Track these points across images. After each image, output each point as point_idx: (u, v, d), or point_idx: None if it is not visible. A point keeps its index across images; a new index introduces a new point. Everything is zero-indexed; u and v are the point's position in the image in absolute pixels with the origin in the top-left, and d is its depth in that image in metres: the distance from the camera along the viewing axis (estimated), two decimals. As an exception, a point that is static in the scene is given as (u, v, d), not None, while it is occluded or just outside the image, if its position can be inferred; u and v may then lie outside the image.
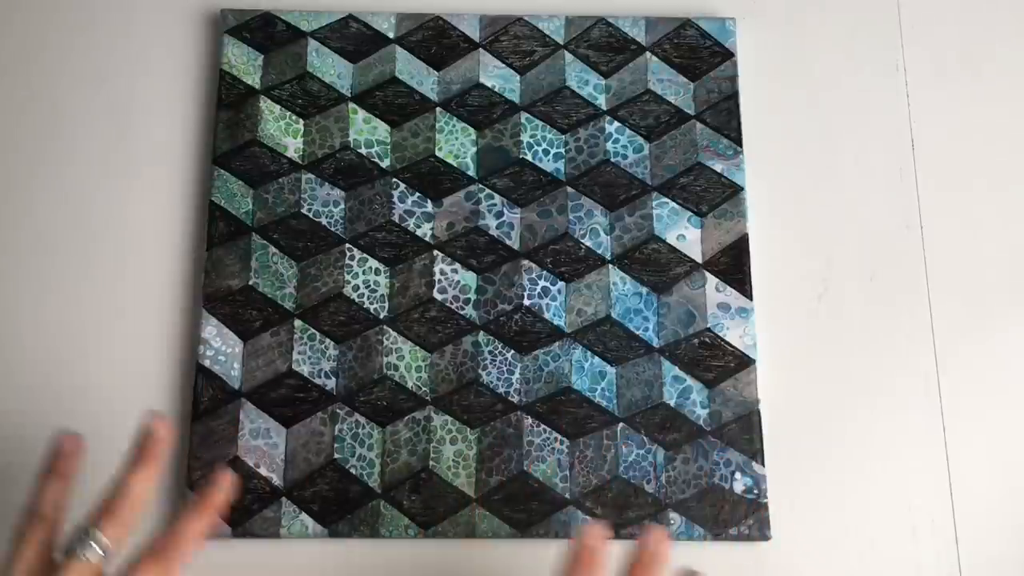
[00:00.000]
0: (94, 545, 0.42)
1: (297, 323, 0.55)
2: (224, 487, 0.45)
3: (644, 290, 0.56)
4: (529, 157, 0.58)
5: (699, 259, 0.57)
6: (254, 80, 0.59)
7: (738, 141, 0.59)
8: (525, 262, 0.57)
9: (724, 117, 0.59)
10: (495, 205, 0.58)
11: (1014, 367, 0.57)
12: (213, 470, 0.53)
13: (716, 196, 0.58)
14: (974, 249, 0.59)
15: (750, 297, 0.56)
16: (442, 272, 0.56)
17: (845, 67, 0.62)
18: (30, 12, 0.61)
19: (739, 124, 0.59)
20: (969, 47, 0.63)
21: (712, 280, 0.57)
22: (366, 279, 0.56)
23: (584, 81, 0.60)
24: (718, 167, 0.58)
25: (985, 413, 0.56)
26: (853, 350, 0.57)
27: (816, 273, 0.58)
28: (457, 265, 0.57)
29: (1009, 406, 0.57)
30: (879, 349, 0.57)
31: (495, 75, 0.60)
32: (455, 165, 0.58)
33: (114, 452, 0.54)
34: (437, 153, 0.58)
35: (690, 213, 0.58)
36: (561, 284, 0.57)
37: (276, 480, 0.53)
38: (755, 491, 0.53)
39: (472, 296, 0.56)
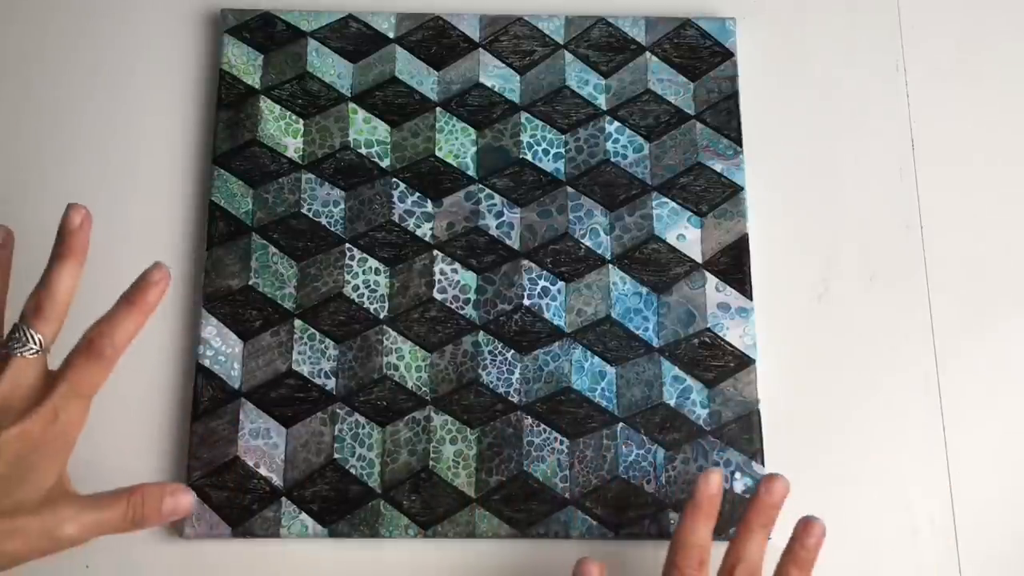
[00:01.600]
0: (30, 342, 0.43)
1: (297, 323, 0.55)
2: (157, 281, 0.45)
3: (644, 290, 0.56)
4: (529, 157, 0.58)
5: (699, 259, 0.57)
6: (254, 80, 0.59)
7: (738, 141, 0.59)
8: (525, 262, 0.57)
9: (724, 117, 0.59)
10: (495, 205, 0.58)
11: (1014, 367, 0.57)
12: (212, 466, 0.53)
13: (716, 196, 0.58)
14: (974, 249, 0.59)
15: (750, 297, 0.56)
16: (442, 272, 0.56)
17: (845, 67, 0.62)
18: (30, 12, 0.61)
19: (739, 124, 0.59)
20: (969, 47, 0.63)
21: (712, 280, 0.57)
22: (366, 279, 0.56)
23: (584, 81, 0.60)
24: (718, 167, 0.58)
25: (985, 413, 0.56)
26: (853, 350, 0.57)
27: (816, 273, 0.58)
28: (457, 265, 0.57)
29: (1009, 406, 0.57)
30: (879, 349, 0.57)
31: (495, 75, 0.60)
32: (455, 165, 0.58)
33: (115, 451, 0.54)
34: (437, 153, 0.58)
35: (690, 213, 0.58)
36: (561, 284, 0.57)
37: (276, 480, 0.53)
38: (755, 491, 0.53)
39: (472, 296, 0.56)
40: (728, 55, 0.60)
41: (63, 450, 0.44)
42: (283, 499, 0.53)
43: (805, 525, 0.48)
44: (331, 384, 0.55)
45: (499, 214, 0.58)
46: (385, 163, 0.58)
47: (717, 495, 0.48)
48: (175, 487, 0.46)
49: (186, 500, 0.46)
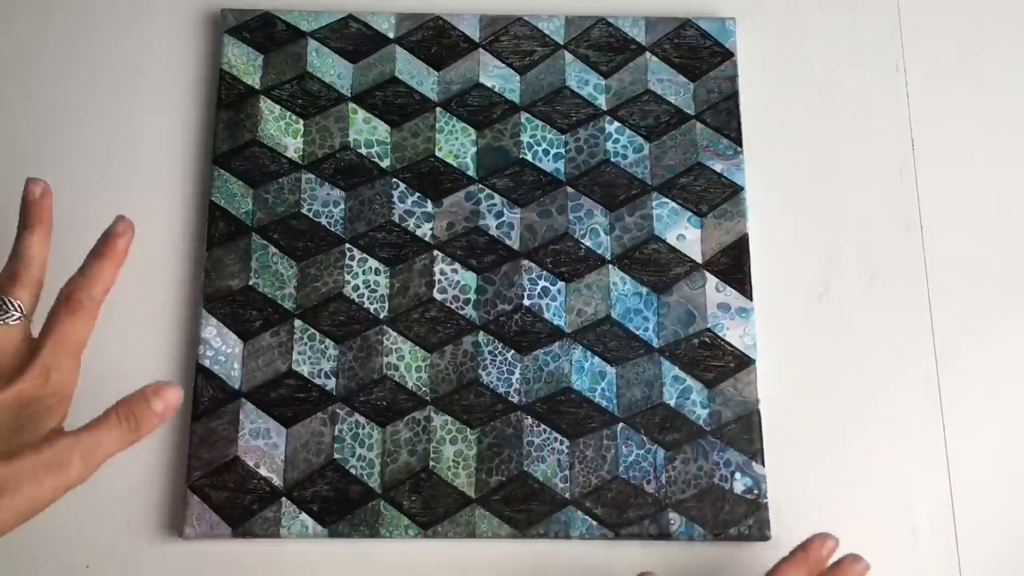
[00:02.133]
0: (11, 308, 0.44)
1: (297, 323, 0.55)
2: (123, 232, 0.48)
3: (644, 290, 0.56)
4: (529, 157, 0.58)
5: (699, 259, 0.57)
6: (254, 80, 0.59)
7: (738, 141, 0.59)
8: (525, 262, 0.57)
9: (724, 117, 0.59)
10: (495, 205, 0.58)
11: (1014, 367, 0.57)
12: (212, 466, 0.53)
13: (716, 196, 0.58)
14: (974, 249, 0.59)
15: (750, 297, 0.56)
16: (442, 272, 0.56)
17: (845, 67, 0.62)
18: (30, 12, 0.61)
19: (739, 124, 0.59)
20: (969, 47, 0.63)
21: (712, 280, 0.57)
22: (366, 279, 0.56)
23: (584, 81, 0.60)
24: (718, 167, 0.58)
25: (985, 413, 0.56)
26: (853, 350, 0.57)
27: (816, 273, 0.58)
28: (457, 265, 0.57)
29: (1009, 406, 0.57)
30: (879, 349, 0.57)
31: (495, 75, 0.60)
32: (455, 165, 0.58)
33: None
34: (437, 153, 0.58)
35: (690, 213, 0.58)
36: (561, 284, 0.57)
37: (276, 480, 0.53)
38: (755, 491, 0.53)
39: (472, 296, 0.56)
40: (728, 55, 0.60)
41: (58, 407, 0.44)
42: (283, 499, 0.53)
43: (853, 560, 0.50)
44: (331, 384, 0.55)
45: (499, 214, 0.58)
46: (385, 163, 0.58)
47: (827, 559, 0.49)
48: (156, 386, 0.45)
49: (174, 393, 0.45)
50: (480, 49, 0.60)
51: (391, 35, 0.60)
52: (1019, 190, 0.60)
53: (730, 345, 0.56)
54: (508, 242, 0.57)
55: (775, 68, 0.62)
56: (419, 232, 0.57)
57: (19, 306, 0.45)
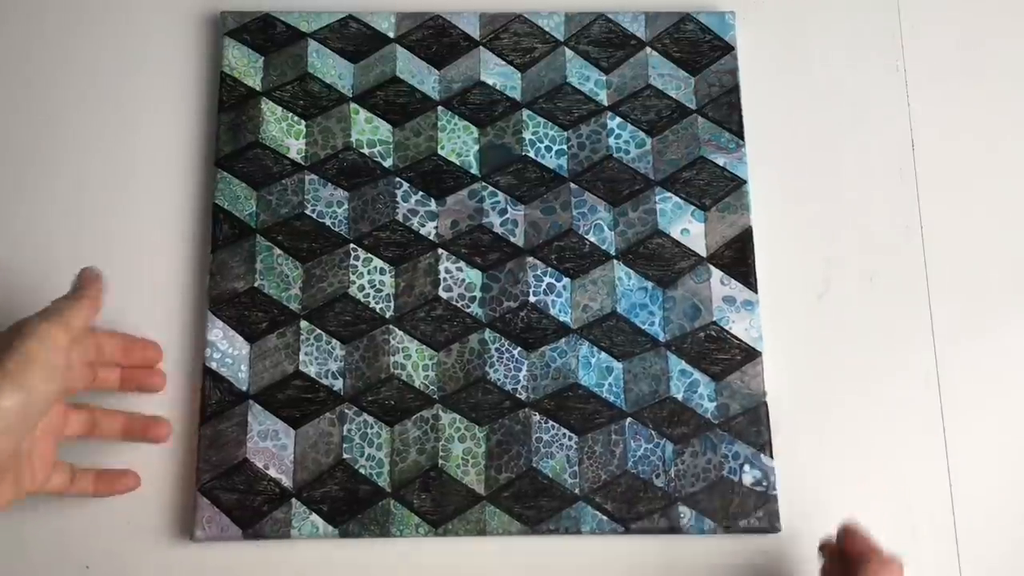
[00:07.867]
0: None
1: (303, 324, 0.55)
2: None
3: (649, 285, 0.57)
4: (531, 154, 0.58)
5: (703, 253, 0.57)
6: (255, 82, 0.59)
7: (740, 135, 0.59)
8: (530, 259, 0.57)
9: (725, 111, 0.59)
10: (498, 202, 0.58)
11: (1014, 367, 0.58)
12: (222, 469, 0.53)
13: (719, 190, 0.58)
14: (974, 249, 0.59)
15: (755, 290, 0.56)
16: (447, 270, 0.56)
17: (845, 62, 0.62)
18: (30, 14, 0.61)
19: (740, 118, 0.59)
20: (969, 47, 0.63)
21: (717, 274, 0.57)
22: (371, 279, 0.56)
23: (585, 77, 0.60)
24: (720, 161, 0.58)
25: (985, 413, 0.57)
26: (853, 352, 0.57)
27: (817, 273, 0.58)
28: (462, 263, 0.57)
29: (1009, 406, 0.57)
30: (879, 350, 0.57)
31: (496, 73, 0.60)
32: (458, 163, 0.58)
33: (123, 454, 0.54)
34: (439, 152, 0.58)
35: (693, 207, 0.58)
36: (566, 280, 0.57)
37: (286, 481, 0.53)
38: (764, 483, 0.54)
39: (478, 294, 0.56)
40: (728, 49, 0.60)
41: None
42: (293, 500, 0.53)
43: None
44: (339, 384, 0.55)
45: (503, 211, 0.58)
46: (388, 163, 0.58)
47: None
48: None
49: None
50: (480, 47, 0.60)
51: (391, 35, 0.60)
52: (1019, 190, 0.60)
53: (736, 338, 0.56)
54: (512, 239, 0.57)
55: (775, 62, 0.62)
56: (423, 231, 0.57)
57: None
